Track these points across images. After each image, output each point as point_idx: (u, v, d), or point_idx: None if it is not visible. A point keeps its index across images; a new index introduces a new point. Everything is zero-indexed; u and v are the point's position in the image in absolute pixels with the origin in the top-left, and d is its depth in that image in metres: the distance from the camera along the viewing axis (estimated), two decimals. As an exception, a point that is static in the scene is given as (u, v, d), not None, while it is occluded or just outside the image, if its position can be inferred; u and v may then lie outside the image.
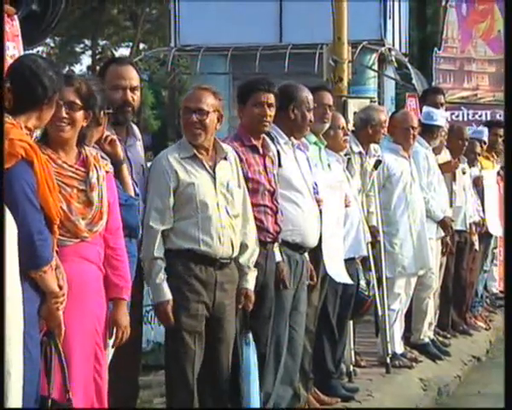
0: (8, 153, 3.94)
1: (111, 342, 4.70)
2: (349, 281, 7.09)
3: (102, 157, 4.73)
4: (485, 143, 11.30)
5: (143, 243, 5.32)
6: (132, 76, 5.30)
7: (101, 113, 4.76)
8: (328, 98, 6.99)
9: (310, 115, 6.34)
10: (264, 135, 6.00)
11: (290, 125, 6.29)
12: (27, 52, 5.44)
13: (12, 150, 3.97)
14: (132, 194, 5.06)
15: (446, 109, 11.20)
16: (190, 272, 5.33)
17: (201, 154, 5.42)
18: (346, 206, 7.19)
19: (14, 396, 3.84)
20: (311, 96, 6.40)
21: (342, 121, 7.39)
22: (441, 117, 9.46)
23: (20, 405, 3.87)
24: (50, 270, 4.07)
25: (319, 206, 6.47)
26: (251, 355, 5.58)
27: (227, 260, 5.44)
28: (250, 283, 5.65)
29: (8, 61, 5.03)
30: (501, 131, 11.80)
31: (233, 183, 5.50)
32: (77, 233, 4.39)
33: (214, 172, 5.42)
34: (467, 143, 10.35)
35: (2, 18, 3.80)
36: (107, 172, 4.63)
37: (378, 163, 8.09)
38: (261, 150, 5.93)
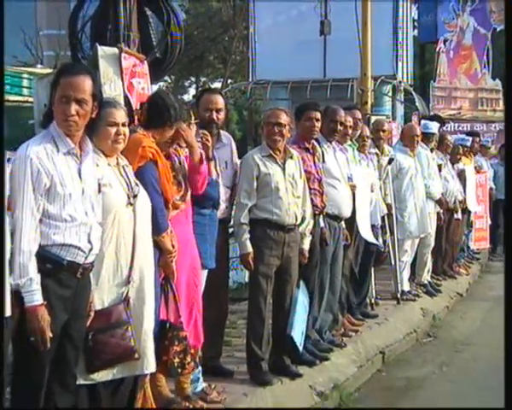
0: (140, 156, 3.97)
1: None
2: (375, 241, 7.13)
3: (180, 146, 4.48)
4: (467, 147, 11.03)
5: (235, 213, 5.30)
6: (218, 101, 5.07)
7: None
8: (358, 114, 6.97)
9: (341, 127, 6.21)
10: (313, 140, 5.91)
11: (325, 133, 6.17)
12: (154, 86, 5.43)
13: (144, 154, 3.98)
14: None
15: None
16: (266, 234, 5.26)
17: (276, 154, 5.35)
18: (372, 191, 7.16)
19: (147, 319, 3.84)
20: (343, 114, 6.28)
21: (365, 131, 7.28)
22: (434, 127, 9.30)
23: (152, 325, 3.87)
24: (167, 235, 4.07)
25: (353, 190, 6.41)
26: (299, 294, 5.48)
27: (292, 226, 5.35)
28: (305, 244, 5.56)
29: (140, 92, 5.05)
30: (477, 139, 11.88)
31: (297, 175, 5.42)
32: (176, 206, 4.31)
33: (284, 166, 5.35)
34: (451, 146, 10.18)
35: (2, 19, 3.46)
36: (186, 157, 4.47)
37: (391, 160, 7.99)
38: (311, 151, 5.85)
